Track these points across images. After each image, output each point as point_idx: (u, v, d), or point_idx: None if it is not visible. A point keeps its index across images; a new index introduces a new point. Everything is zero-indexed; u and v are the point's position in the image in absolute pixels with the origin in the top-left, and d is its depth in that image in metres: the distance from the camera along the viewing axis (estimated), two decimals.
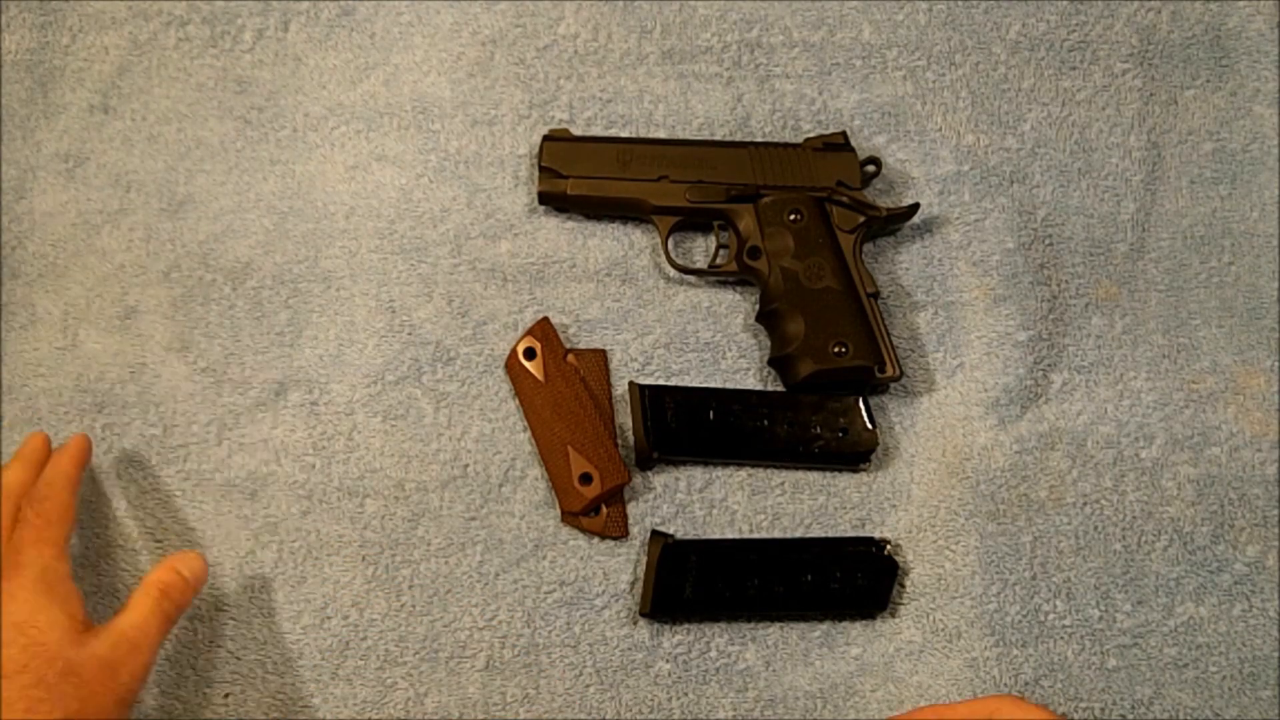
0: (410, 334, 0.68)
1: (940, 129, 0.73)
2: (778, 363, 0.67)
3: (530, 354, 0.67)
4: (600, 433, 0.65)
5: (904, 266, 0.70)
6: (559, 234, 0.70)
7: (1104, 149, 0.73)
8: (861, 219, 0.68)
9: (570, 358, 0.67)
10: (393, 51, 0.74)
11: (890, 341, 0.66)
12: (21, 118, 0.72)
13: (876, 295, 0.67)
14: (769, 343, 0.68)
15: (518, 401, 0.67)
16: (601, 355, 0.68)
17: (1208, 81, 0.74)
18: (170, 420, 0.67)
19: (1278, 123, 0.74)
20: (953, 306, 0.70)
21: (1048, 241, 0.71)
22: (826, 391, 0.67)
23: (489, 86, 0.73)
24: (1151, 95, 0.74)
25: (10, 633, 0.54)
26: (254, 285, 0.69)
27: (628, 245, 0.70)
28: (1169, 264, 0.71)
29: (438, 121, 0.72)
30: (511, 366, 0.67)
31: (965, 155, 0.72)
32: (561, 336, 0.68)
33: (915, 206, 0.69)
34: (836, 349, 0.65)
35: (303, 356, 0.68)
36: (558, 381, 0.66)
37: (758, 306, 0.68)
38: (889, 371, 0.66)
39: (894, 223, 0.69)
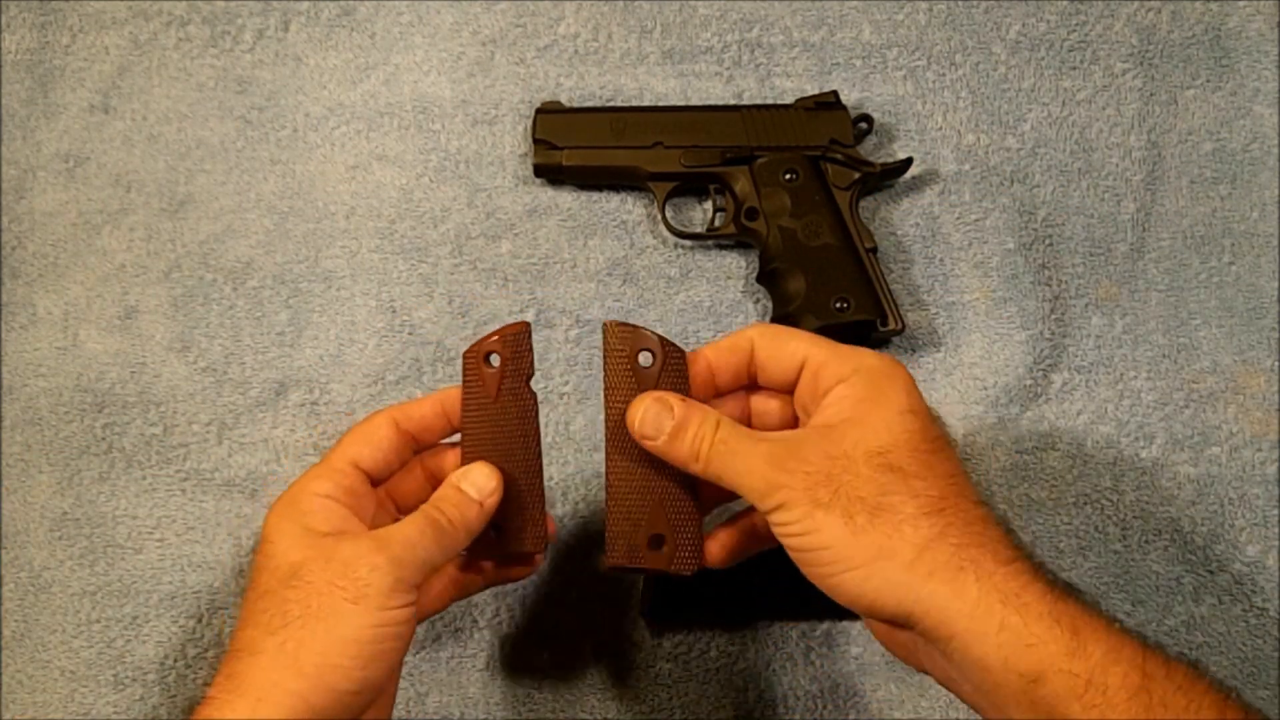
0: (411, 334, 0.68)
1: (940, 129, 0.73)
2: (781, 322, 0.67)
3: (491, 360, 0.53)
4: (524, 485, 0.53)
5: (903, 266, 0.70)
6: (559, 234, 0.70)
7: (1104, 149, 0.73)
8: (856, 175, 0.69)
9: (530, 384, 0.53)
10: (393, 51, 0.74)
11: (891, 295, 0.66)
12: (21, 118, 0.72)
13: (875, 250, 0.67)
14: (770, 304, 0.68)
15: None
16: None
17: (1208, 81, 0.75)
18: (170, 420, 0.67)
19: (1278, 123, 0.74)
20: (953, 306, 0.70)
21: (1048, 241, 0.71)
22: None
23: (489, 86, 0.73)
24: (1151, 95, 0.74)
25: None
26: (254, 285, 0.69)
27: (628, 245, 0.70)
28: (1169, 264, 0.71)
29: (438, 121, 0.72)
30: (469, 360, 0.53)
31: (965, 155, 0.73)
32: (562, 337, 0.67)
33: (909, 161, 0.70)
34: (838, 304, 0.65)
35: (303, 356, 0.68)
36: (509, 405, 0.53)
37: (757, 268, 0.68)
38: (891, 325, 0.66)
39: (888, 178, 0.71)
